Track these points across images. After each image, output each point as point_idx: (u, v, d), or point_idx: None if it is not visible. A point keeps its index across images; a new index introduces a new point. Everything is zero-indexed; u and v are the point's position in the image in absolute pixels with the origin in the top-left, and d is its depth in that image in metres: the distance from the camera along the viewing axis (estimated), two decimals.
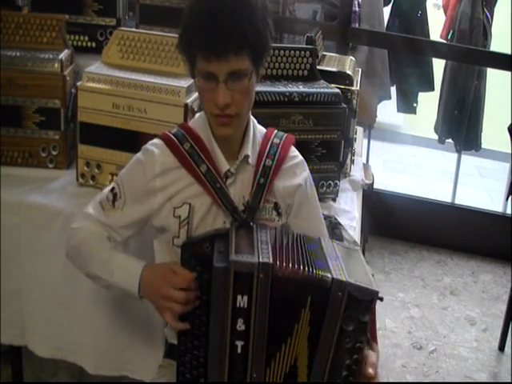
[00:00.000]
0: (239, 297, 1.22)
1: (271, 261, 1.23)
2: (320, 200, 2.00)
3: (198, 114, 1.51)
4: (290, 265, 1.24)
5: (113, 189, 1.47)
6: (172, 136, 1.44)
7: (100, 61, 1.96)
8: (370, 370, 1.25)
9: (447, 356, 2.87)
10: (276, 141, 1.49)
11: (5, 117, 2.02)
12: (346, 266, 1.29)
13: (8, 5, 2.37)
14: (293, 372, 1.27)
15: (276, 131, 1.53)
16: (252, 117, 1.48)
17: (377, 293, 1.23)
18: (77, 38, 2.41)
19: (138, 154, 1.47)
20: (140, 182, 1.44)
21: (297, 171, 1.51)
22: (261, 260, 1.22)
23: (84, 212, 1.51)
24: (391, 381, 2.66)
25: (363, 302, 1.22)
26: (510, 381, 2.74)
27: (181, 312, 1.30)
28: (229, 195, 1.40)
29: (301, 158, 1.54)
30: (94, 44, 2.43)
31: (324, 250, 1.35)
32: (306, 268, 1.24)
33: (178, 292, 1.29)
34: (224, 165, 1.42)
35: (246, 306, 1.22)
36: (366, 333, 1.25)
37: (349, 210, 2.08)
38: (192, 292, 1.29)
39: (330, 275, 1.23)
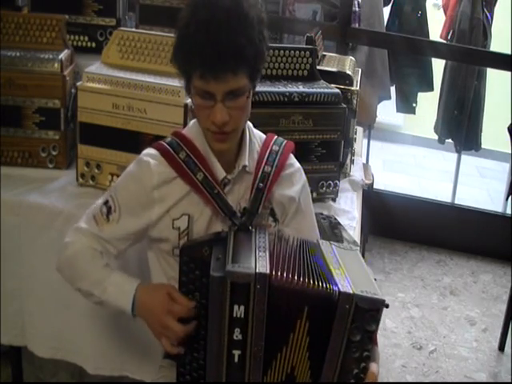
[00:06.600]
0: (236, 307, 1.21)
1: (268, 271, 1.21)
2: (320, 200, 2.02)
3: (191, 122, 1.49)
4: (290, 275, 1.23)
5: (106, 202, 1.44)
6: (167, 145, 1.42)
7: (100, 61, 1.96)
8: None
9: (447, 356, 2.87)
10: (275, 148, 1.47)
11: (5, 117, 2.02)
12: (348, 272, 1.27)
13: (8, 5, 2.36)
14: (290, 381, 1.26)
15: (275, 137, 1.51)
16: (248, 123, 1.46)
17: (383, 301, 1.22)
18: (77, 38, 2.41)
19: (132, 166, 1.44)
20: (136, 195, 1.41)
21: (293, 180, 1.50)
22: (258, 270, 1.20)
23: (76, 226, 1.47)
24: (391, 381, 2.66)
25: (370, 312, 1.21)
26: (509, 381, 2.74)
27: (178, 341, 1.31)
28: (227, 200, 1.39)
29: (298, 166, 1.52)
30: (93, 44, 2.42)
31: (325, 256, 1.33)
32: (306, 279, 1.23)
33: (178, 325, 1.30)
34: (220, 172, 1.41)
35: (242, 315, 1.21)
36: (372, 341, 1.24)
37: (349, 210, 2.08)
38: (191, 324, 1.30)
39: (336, 287, 1.22)
